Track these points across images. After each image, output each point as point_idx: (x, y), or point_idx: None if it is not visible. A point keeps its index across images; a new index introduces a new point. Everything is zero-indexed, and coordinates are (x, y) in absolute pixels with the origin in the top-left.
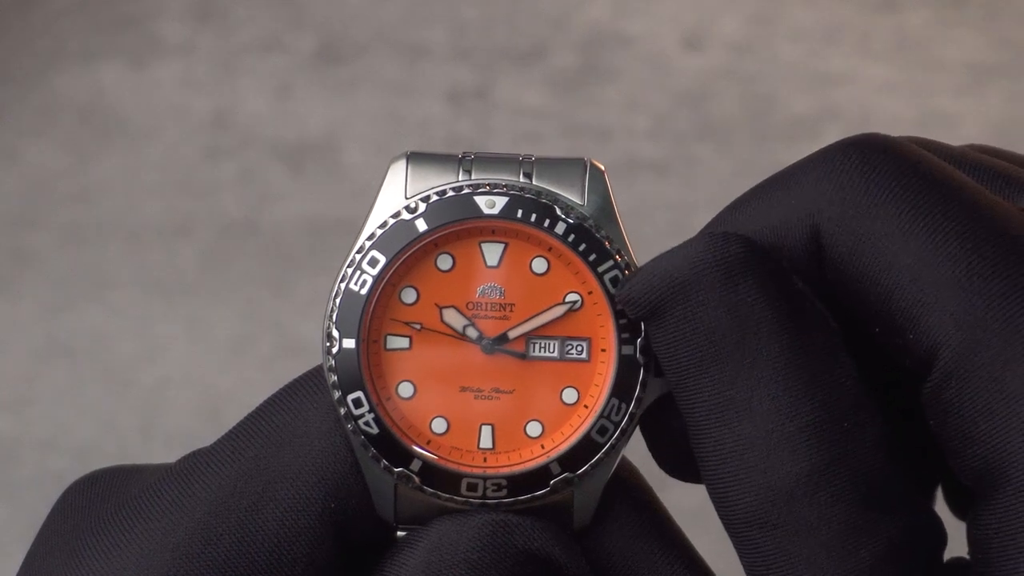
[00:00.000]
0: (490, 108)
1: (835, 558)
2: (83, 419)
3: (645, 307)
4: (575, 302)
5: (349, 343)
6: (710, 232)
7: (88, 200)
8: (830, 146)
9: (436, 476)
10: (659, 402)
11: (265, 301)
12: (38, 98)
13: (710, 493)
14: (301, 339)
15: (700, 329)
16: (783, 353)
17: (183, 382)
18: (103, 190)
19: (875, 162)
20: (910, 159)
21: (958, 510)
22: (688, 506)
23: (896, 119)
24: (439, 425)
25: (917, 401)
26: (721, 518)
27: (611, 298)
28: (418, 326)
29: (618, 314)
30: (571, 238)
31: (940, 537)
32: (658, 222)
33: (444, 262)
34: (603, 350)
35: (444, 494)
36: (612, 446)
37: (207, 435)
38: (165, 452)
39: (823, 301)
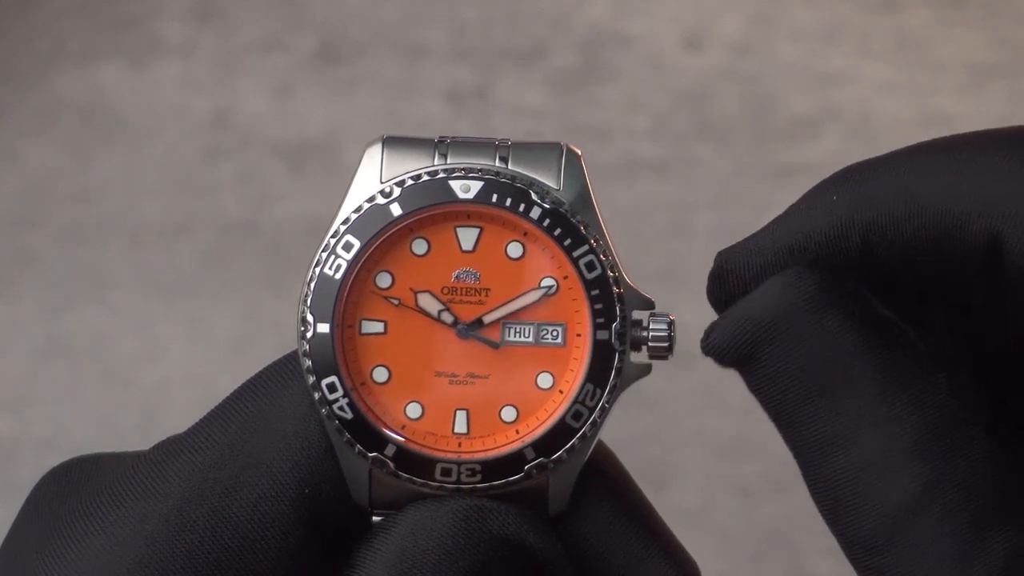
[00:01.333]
0: (490, 108)
1: (956, 571)
2: (83, 419)
3: (735, 355)
4: (550, 287)
5: (323, 327)
6: (783, 272)
7: (88, 200)
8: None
9: (411, 461)
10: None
11: (265, 301)
12: (38, 98)
13: (826, 522)
14: None
15: (793, 368)
16: (879, 378)
17: (183, 382)
18: (103, 190)
19: None
20: None
21: None
22: (688, 506)
23: (896, 119)
24: (414, 410)
25: None
26: (840, 545)
27: (586, 283)
28: (396, 301)
29: (593, 299)
30: (546, 223)
31: None
32: (658, 222)
33: (419, 247)
34: (578, 335)
35: (419, 479)
36: (587, 431)
37: None
38: None
39: (993, 301)
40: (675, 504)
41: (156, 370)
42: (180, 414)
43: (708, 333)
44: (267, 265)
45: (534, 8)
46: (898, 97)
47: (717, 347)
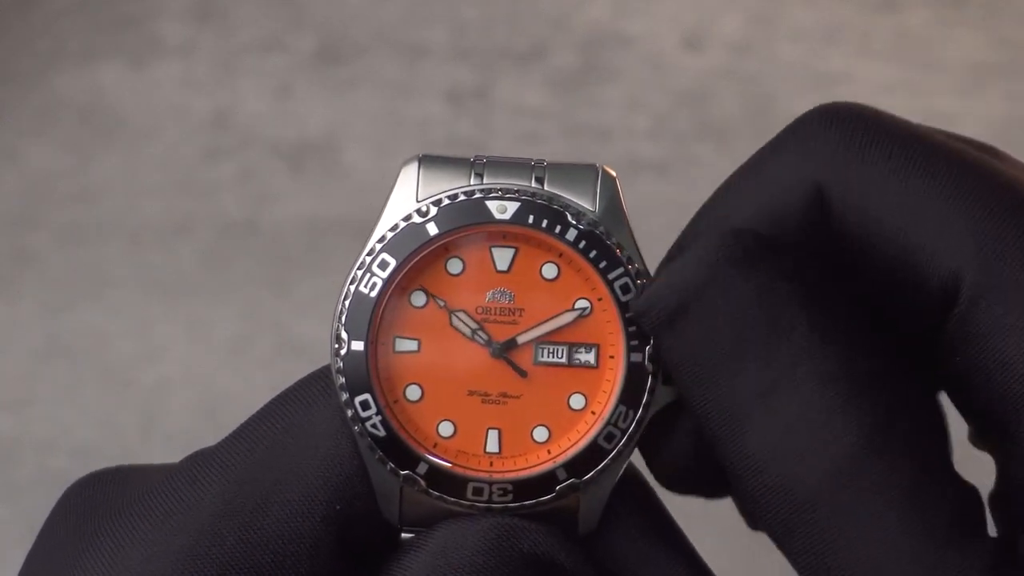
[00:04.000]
0: (490, 108)
1: (912, 510)
2: (83, 419)
3: (666, 312)
4: (584, 308)
5: (358, 345)
6: (719, 232)
7: (88, 200)
8: (804, 115)
9: (442, 480)
10: (658, 417)
11: (265, 301)
12: (38, 98)
13: (757, 488)
14: (301, 339)
15: (728, 319)
16: (817, 323)
17: (183, 382)
18: (103, 190)
19: (855, 119)
20: (881, 114)
21: None
22: (690, 507)
23: None
24: (446, 429)
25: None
26: (772, 511)
27: (621, 305)
28: (442, 302)
29: (627, 321)
30: (582, 244)
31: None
32: (658, 222)
33: (454, 266)
34: (611, 357)
35: (450, 498)
36: (619, 453)
37: (207, 435)
38: (165, 452)
39: (832, 266)
40: (675, 504)
41: (156, 370)
42: (180, 414)
43: (637, 294)
44: (267, 265)
45: (534, 8)
46: (898, 97)
47: (647, 304)
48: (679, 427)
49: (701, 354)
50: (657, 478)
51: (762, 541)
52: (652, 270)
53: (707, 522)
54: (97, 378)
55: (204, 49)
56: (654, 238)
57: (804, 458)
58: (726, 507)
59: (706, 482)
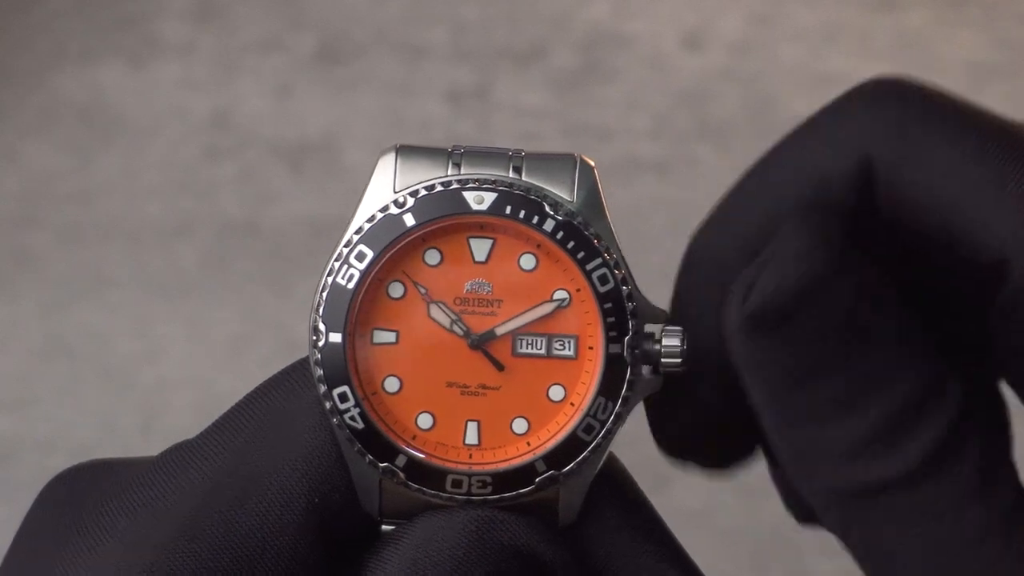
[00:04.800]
0: (490, 108)
1: (987, 494)
2: (83, 419)
3: (781, 311)
4: (563, 299)
5: (335, 337)
6: (807, 224)
7: (88, 200)
8: (860, 85)
9: (421, 472)
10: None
11: (265, 301)
12: (38, 98)
13: (835, 484)
14: (301, 339)
15: (837, 314)
16: (905, 329)
17: (183, 382)
18: (103, 190)
19: (912, 93)
20: (937, 91)
21: None
22: (689, 506)
23: None
24: (425, 420)
25: None
26: (844, 507)
27: (599, 296)
28: (424, 289)
29: (605, 312)
30: (560, 235)
31: None
32: (658, 222)
33: (432, 257)
34: (590, 348)
35: (429, 490)
36: (598, 444)
37: None
38: None
39: (875, 240)
40: (676, 504)
41: (156, 370)
42: (180, 414)
43: (744, 295)
44: (267, 265)
45: (534, 8)
46: None
47: (761, 308)
48: (681, 403)
49: (811, 349)
50: (659, 444)
51: (764, 543)
52: (651, 269)
53: (707, 522)
54: (97, 378)
55: (204, 49)
56: (654, 238)
57: (882, 459)
58: (728, 509)
59: (704, 455)
